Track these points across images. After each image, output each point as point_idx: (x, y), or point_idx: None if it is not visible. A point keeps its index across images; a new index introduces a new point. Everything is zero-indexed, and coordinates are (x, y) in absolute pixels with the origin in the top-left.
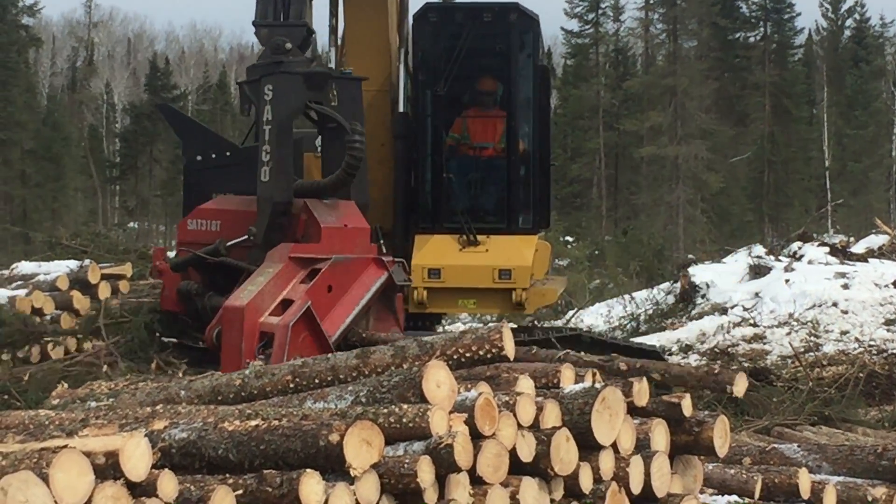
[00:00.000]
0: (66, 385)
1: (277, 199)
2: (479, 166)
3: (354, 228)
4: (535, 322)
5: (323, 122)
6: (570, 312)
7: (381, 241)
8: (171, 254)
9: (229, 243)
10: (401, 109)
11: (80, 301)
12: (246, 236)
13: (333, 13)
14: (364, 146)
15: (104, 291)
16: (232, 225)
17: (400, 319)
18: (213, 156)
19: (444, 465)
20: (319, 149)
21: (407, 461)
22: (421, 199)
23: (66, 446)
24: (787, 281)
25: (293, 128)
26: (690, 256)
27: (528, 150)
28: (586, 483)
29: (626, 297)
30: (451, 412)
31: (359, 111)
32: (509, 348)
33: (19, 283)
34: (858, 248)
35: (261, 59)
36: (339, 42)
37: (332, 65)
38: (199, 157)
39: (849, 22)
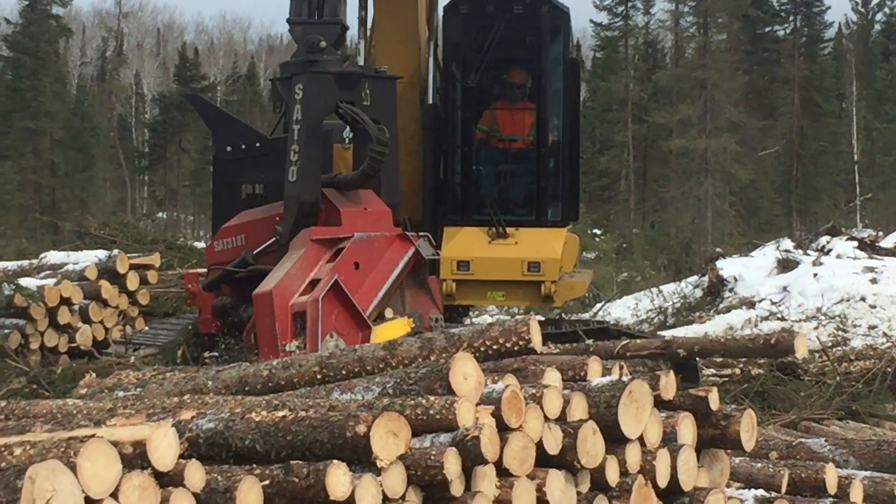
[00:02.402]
0: (94, 374)
1: (304, 199)
2: (508, 159)
3: (375, 211)
4: (563, 315)
5: (354, 122)
6: (598, 305)
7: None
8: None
9: (255, 251)
10: (430, 101)
11: (109, 291)
12: (272, 240)
13: (363, 5)
14: (386, 154)
15: (132, 281)
16: (256, 235)
17: (437, 300)
18: (243, 147)
19: (471, 457)
20: (347, 140)
21: (433, 453)
22: (450, 191)
23: (93, 436)
24: (815, 275)
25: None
26: (718, 250)
27: (557, 142)
28: (612, 476)
29: (654, 290)
30: (477, 404)
31: (391, 110)
32: (536, 341)
33: (48, 272)
34: (887, 242)
35: (294, 56)
36: (369, 34)
37: (361, 57)
38: (228, 148)
39: (879, 16)
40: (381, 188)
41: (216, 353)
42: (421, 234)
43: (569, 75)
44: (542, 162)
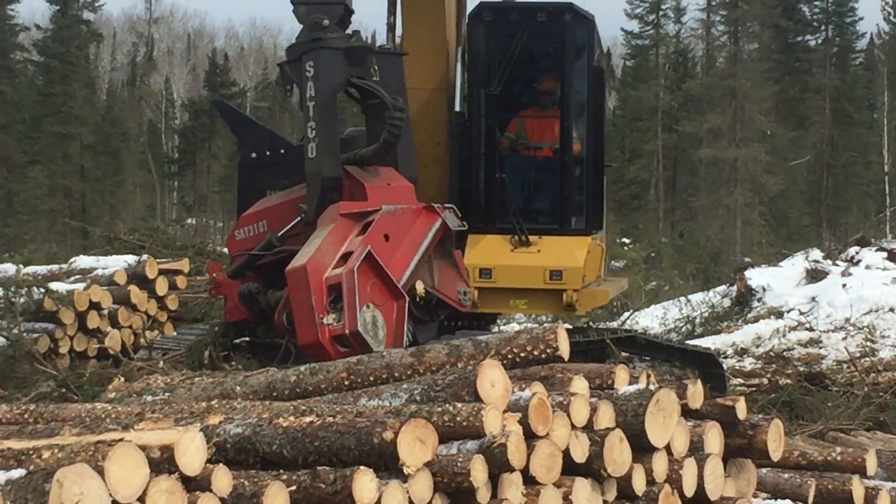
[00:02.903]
0: (122, 379)
1: (326, 174)
2: (532, 167)
3: (398, 186)
4: (590, 323)
5: (365, 97)
6: (626, 314)
7: None
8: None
9: (280, 233)
10: (458, 109)
11: (138, 296)
12: (296, 220)
13: (391, 10)
14: (404, 121)
15: (161, 287)
16: (278, 219)
17: (463, 272)
18: (268, 153)
19: (497, 465)
20: None
21: (460, 460)
22: (474, 198)
23: (121, 440)
24: (844, 285)
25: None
26: (747, 259)
27: (581, 151)
28: (639, 485)
29: (682, 299)
30: (504, 412)
31: (401, 86)
32: (564, 349)
33: (77, 277)
34: None
35: (299, 37)
36: (398, 40)
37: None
38: (253, 154)
39: None
40: (398, 166)
41: (247, 338)
42: (447, 205)
43: (594, 84)
44: (566, 170)
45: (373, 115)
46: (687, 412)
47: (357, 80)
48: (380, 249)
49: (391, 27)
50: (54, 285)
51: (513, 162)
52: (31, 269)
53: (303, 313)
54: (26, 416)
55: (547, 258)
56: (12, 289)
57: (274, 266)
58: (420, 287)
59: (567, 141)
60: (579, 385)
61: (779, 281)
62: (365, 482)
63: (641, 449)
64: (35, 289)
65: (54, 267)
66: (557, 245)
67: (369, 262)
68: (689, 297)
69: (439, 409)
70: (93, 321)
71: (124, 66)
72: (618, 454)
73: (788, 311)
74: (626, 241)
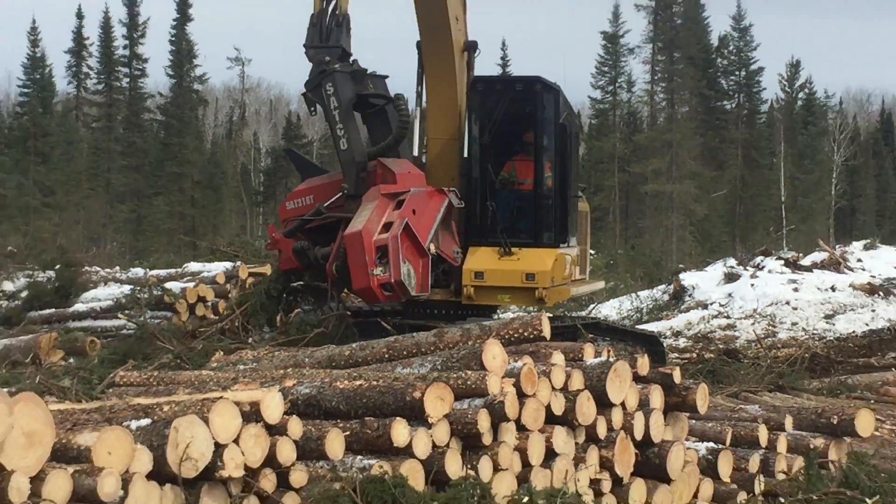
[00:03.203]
0: (222, 353)
1: (358, 159)
2: (515, 198)
3: (415, 173)
4: (565, 312)
5: (366, 108)
6: (591, 306)
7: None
8: None
9: (325, 204)
10: (465, 155)
11: (233, 292)
12: (338, 195)
13: (420, 82)
14: (408, 112)
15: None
16: (323, 193)
17: (456, 238)
18: None
19: (497, 416)
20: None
21: (470, 413)
22: (472, 220)
23: (221, 398)
24: (752, 285)
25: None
26: (681, 266)
27: (549, 186)
28: (602, 431)
29: (633, 295)
30: (503, 377)
31: (389, 97)
32: (546, 331)
33: (188, 278)
34: (806, 261)
35: (311, 75)
36: (424, 105)
37: (417, 121)
38: None
39: (801, 94)
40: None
41: (301, 282)
42: (451, 189)
43: (560, 137)
44: (539, 201)
45: (373, 122)
46: (637, 378)
47: (368, 92)
48: (411, 220)
49: (419, 94)
50: (170, 284)
51: (501, 194)
52: (154, 272)
53: (358, 266)
54: (151, 380)
55: (524, 264)
56: (140, 287)
57: (320, 229)
58: (433, 248)
59: (539, 179)
60: (557, 358)
61: (704, 282)
62: (400, 429)
63: (603, 405)
64: (156, 287)
65: (172, 271)
66: (532, 255)
67: (405, 230)
68: (638, 293)
69: (455, 375)
70: (200, 310)
71: (224, 123)
72: (586, 409)
73: (711, 304)
74: (592, 252)
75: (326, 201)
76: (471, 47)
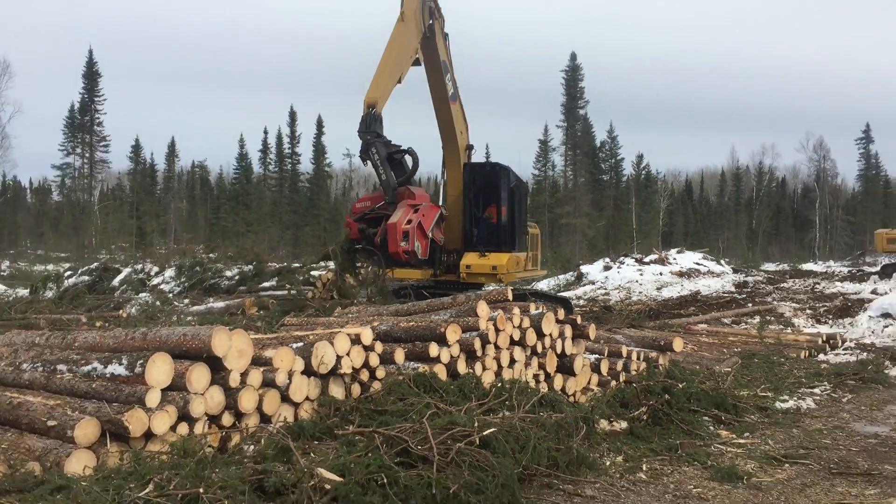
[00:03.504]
0: (340, 308)
1: (392, 185)
2: (489, 225)
3: (426, 195)
4: (520, 287)
5: (392, 160)
6: (533, 283)
7: (454, 255)
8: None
9: (377, 206)
10: (464, 202)
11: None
12: (383, 202)
13: (443, 165)
14: (417, 155)
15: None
16: (374, 201)
17: (443, 230)
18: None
19: (484, 341)
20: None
21: (470, 339)
22: (466, 238)
23: (339, 331)
24: (618, 272)
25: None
26: (580, 262)
27: (505, 221)
28: (539, 349)
29: (555, 277)
30: (487, 321)
31: (405, 151)
32: (510, 296)
33: (322, 267)
34: (646, 260)
35: (360, 147)
36: (442, 169)
37: (442, 180)
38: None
39: (644, 172)
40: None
41: (359, 245)
42: (441, 205)
43: (511, 194)
44: (501, 227)
45: (395, 167)
46: (557, 321)
47: (393, 148)
48: (422, 219)
49: (442, 173)
50: (314, 273)
51: (480, 224)
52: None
53: (393, 241)
54: (303, 323)
55: (491, 261)
56: (297, 273)
57: (373, 219)
58: (431, 234)
59: (499, 217)
60: (516, 311)
61: (593, 270)
62: (434, 348)
63: (540, 335)
64: (305, 274)
65: (313, 265)
66: (495, 257)
67: (418, 224)
68: (558, 276)
69: (461, 320)
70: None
71: (341, 187)
72: (531, 337)
73: (596, 282)
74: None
75: (375, 206)
76: (470, 147)
